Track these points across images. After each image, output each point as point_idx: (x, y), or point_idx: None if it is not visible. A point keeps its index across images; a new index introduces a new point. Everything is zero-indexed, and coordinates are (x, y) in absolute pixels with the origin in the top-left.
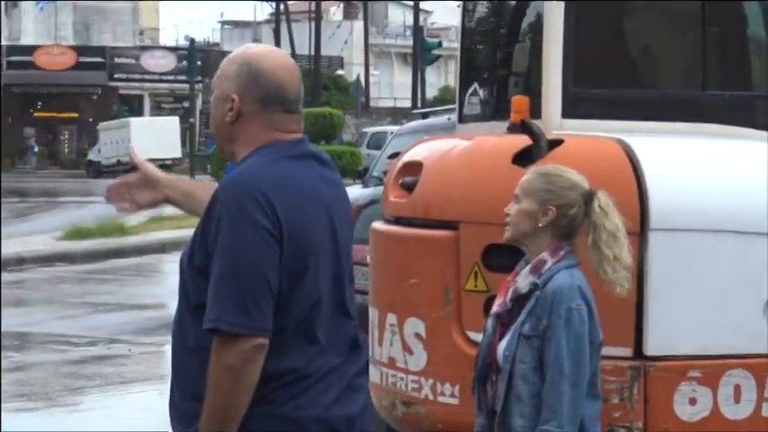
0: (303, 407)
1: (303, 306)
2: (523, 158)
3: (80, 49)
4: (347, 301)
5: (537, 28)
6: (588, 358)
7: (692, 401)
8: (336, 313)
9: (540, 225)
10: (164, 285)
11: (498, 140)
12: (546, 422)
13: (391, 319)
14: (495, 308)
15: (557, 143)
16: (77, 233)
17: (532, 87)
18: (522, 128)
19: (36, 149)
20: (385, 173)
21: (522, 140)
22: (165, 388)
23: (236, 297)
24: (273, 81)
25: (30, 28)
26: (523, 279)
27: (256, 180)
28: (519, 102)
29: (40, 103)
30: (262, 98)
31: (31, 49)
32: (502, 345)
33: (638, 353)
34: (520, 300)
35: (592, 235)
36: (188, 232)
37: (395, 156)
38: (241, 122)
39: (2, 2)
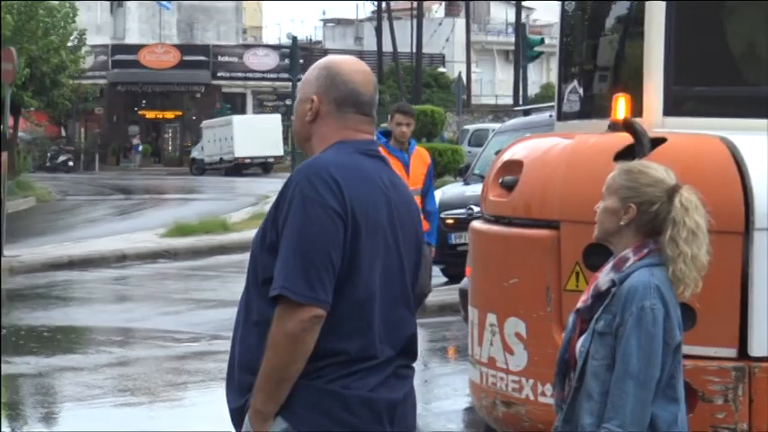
0: (349, 386)
1: (359, 292)
2: (625, 157)
3: (184, 48)
4: (408, 296)
5: (638, 25)
6: (660, 359)
7: None
8: (395, 306)
9: (621, 223)
10: None
11: (599, 138)
12: (609, 420)
13: (491, 318)
14: (578, 304)
15: (659, 141)
16: (180, 230)
17: (633, 85)
18: (624, 126)
19: (140, 148)
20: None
21: (624, 139)
22: None
23: (302, 269)
24: (349, 84)
25: (135, 27)
26: (604, 276)
27: (328, 165)
28: (620, 99)
29: (144, 102)
30: (337, 99)
31: (135, 48)
32: (581, 341)
33: (743, 353)
34: (599, 296)
35: (670, 231)
36: None
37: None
38: (319, 121)
39: (108, 2)
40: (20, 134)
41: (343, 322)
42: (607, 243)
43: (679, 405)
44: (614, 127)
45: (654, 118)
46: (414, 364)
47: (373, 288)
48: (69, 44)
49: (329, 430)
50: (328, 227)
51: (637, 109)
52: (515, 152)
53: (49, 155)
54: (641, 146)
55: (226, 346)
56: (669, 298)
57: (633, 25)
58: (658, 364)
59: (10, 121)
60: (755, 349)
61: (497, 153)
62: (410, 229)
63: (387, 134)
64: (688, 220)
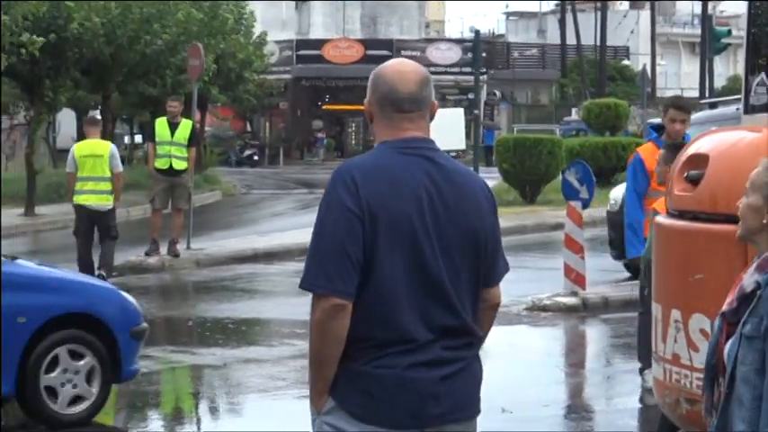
0: (381, 366)
1: (381, 282)
2: None
3: (367, 43)
4: (441, 289)
5: None
6: None
7: None
8: (423, 297)
9: (765, 221)
10: None
11: None
12: (765, 428)
13: (675, 315)
14: (724, 306)
15: None
16: None
17: None
18: None
19: (324, 142)
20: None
21: None
22: None
23: (319, 264)
24: (387, 84)
25: (319, 22)
26: (749, 277)
27: (351, 167)
28: None
29: (327, 96)
30: (379, 100)
31: (319, 43)
32: (727, 346)
33: None
34: (745, 298)
35: None
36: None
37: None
38: (374, 123)
39: None
40: (206, 129)
41: (370, 310)
42: (749, 242)
43: None
44: None
45: None
46: (469, 342)
47: (395, 278)
48: (253, 40)
49: (367, 404)
50: (342, 224)
51: None
52: (701, 146)
53: (236, 149)
54: None
55: None
56: None
57: None
58: None
59: (197, 116)
60: None
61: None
62: (461, 227)
63: (659, 128)
64: None
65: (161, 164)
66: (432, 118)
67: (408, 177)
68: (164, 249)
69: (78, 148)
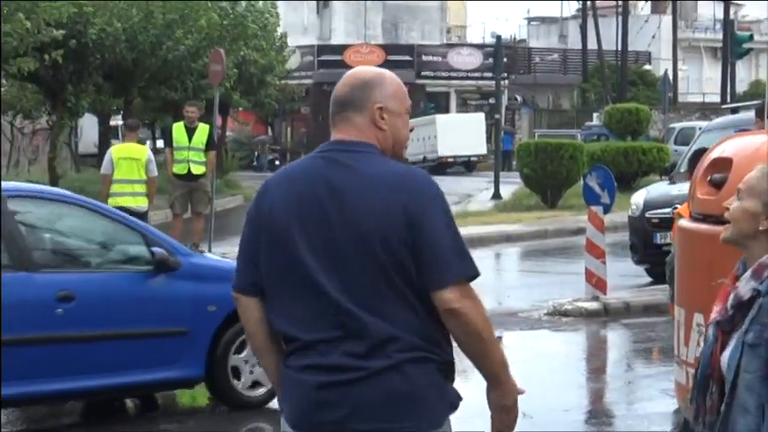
0: (287, 364)
1: (265, 282)
2: None
3: (388, 48)
4: (322, 289)
5: None
6: None
7: None
8: (303, 297)
9: (760, 228)
10: None
11: None
12: None
13: (698, 318)
14: (713, 315)
15: None
16: None
17: None
18: None
19: None
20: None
21: None
22: (470, 383)
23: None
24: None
25: (340, 27)
26: (744, 285)
27: (276, 173)
28: None
29: None
30: None
31: (341, 48)
32: (725, 354)
33: None
34: (741, 306)
35: None
36: (495, 228)
37: (701, 152)
38: None
39: (315, 2)
40: (228, 134)
41: (269, 305)
42: (737, 245)
43: None
44: None
45: None
46: (380, 349)
47: (272, 278)
48: (274, 45)
49: (281, 401)
50: (244, 227)
51: None
52: (725, 150)
53: (256, 154)
54: None
55: None
56: None
57: None
58: None
59: (218, 121)
60: None
61: (696, 153)
62: (356, 229)
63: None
64: None
65: (179, 169)
66: (376, 122)
67: (303, 181)
68: None
69: (116, 151)
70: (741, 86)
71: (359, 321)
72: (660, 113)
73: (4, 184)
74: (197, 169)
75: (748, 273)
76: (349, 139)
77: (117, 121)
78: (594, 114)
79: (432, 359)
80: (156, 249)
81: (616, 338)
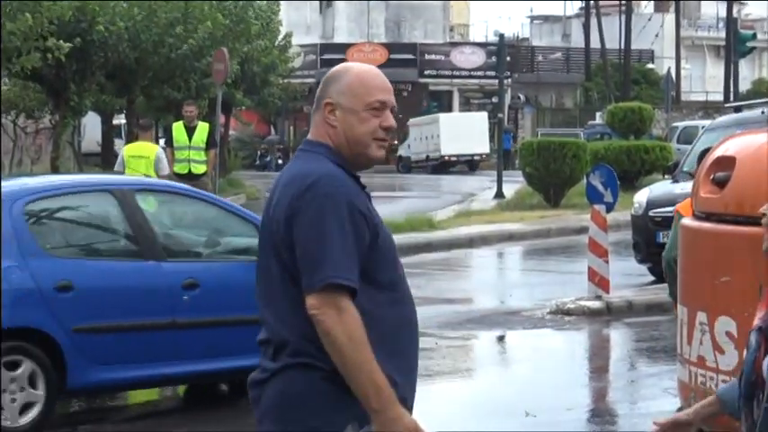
0: None
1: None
2: None
3: (391, 47)
4: (264, 296)
5: None
6: None
7: None
8: (260, 301)
9: None
10: (470, 280)
11: None
12: None
13: (701, 317)
14: (757, 321)
15: None
16: (388, 227)
17: None
18: None
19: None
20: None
21: None
22: (472, 382)
23: None
24: None
25: (343, 26)
26: None
27: None
28: None
29: None
30: None
31: (344, 47)
32: (767, 360)
33: None
34: None
35: None
36: (497, 227)
37: (706, 152)
38: None
39: (318, 1)
40: (231, 133)
41: None
42: None
43: None
44: None
45: None
46: (275, 349)
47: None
48: (277, 44)
49: None
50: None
51: None
52: (728, 148)
53: (258, 153)
54: None
55: (430, 343)
56: None
57: None
58: None
59: (221, 119)
60: None
61: (702, 153)
62: (268, 228)
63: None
64: None
65: (180, 168)
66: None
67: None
68: None
69: (127, 149)
70: (744, 85)
71: (268, 324)
72: (663, 112)
73: (133, 178)
74: (198, 168)
75: None
76: (308, 138)
77: (120, 119)
78: (597, 113)
79: (317, 367)
80: None
81: (619, 337)
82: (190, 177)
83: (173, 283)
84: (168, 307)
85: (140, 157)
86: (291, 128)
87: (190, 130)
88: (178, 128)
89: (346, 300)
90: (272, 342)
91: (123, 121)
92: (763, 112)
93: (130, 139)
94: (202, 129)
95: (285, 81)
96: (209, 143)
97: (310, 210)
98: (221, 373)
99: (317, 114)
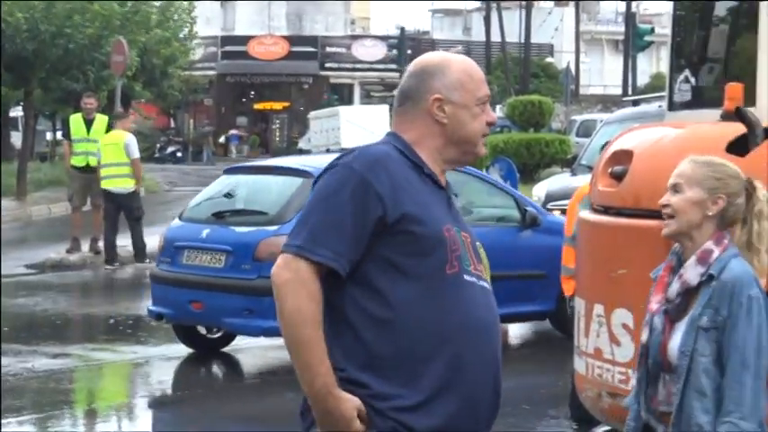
0: None
1: None
2: (738, 147)
3: (292, 39)
4: None
5: (752, 12)
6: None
7: None
8: None
9: (709, 214)
10: None
11: (712, 128)
12: (728, 413)
13: (598, 309)
14: (655, 305)
15: None
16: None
17: (746, 75)
18: (737, 115)
19: (238, 139)
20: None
21: (737, 128)
22: None
23: None
24: None
25: (244, 18)
26: (691, 271)
27: None
28: (733, 89)
29: (252, 93)
30: None
31: (245, 40)
32: (674, 342)
33: None
34: (688, 293)
35: (756, 226)
36: None
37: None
38: None
39: None
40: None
41: None
42: (682, 237)
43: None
44: (727, 116)
45: (767, 107)
46: None
47: None
48: (180, 36)
49: None
50: None
51: (750, 98)
52: (625, 142)
53: (158, 146)
54: (754, 135)
55: None
56: (762, 287)
57: (747, 14)
58: (766, 354)
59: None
60: None
61: (604, 146)
62: None
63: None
64: None
65: (78, 161)
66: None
67: None
68: (85, 246)
69: (103, 140)
70: (642, 79)
71: None
72: (562, 105)
73: None
74: (95, 161)
75: (692, 260)
76: (392, 132)
77: (17, 112)
78: (497, 106)
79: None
80: (529, 209)
81: None
82: (87, 170)
83: None
84: None
85: (112, 144)
86: (191, 120)
87: (88, 123)
88: (76, 120)
89: (309, 272)
90: None
91: (21, 113)
92: (660, 106)
93: (25, 132)
94: (101, 121)
95: (185, 73)
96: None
97: (326, 176)
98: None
99: (414, 110)
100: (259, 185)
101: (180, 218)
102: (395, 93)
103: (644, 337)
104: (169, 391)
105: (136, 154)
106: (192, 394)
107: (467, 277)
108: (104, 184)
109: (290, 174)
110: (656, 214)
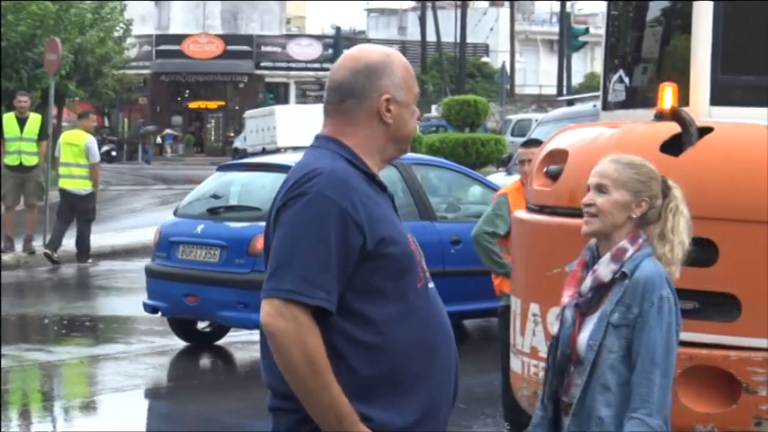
0: None
1: None
2: (672, 146)
3: (227, 38)
4: None
5: (685, 13)
6: (676, 347)
7: None
8: None
9: (633, 216)
10: None
11: (646, 128)
12: (635, 410)
13: (534, 308)
14: (567, 299)
15: (706, 131)
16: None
17: (680, 74)
18: (671, 115)
19: (172, 139)
20: (520, 161)
21: (671, 128)
22: None
23: None
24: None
25: (178, 17)
26: (604, 268)
27: None
28: (667, 89)
29: (187, 92)
30: None
31: (179, 39)
32: (583, 335)
33: None
34: (600, 289)
35: (671, 220)
36: None
37: (529, 143)
38: None
39: None
40: (64, 124)
41: None
42: (602, 236)
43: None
44: (661, 116)
45: (700, 107)
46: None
47: None
48: (115, 35)
49: None
50: None
51: (683, 98)
52: (560, 141)
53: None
54: (688, 135)
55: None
56: (673, 287)
57: (680, 14)
58: (675, 353)
59: (54, 111)
60: None
61: (524, 144)
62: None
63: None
64: (685, 209)
65: (10, 160)
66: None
67: None
68: (19, 246)
69: (63, 136)
70: (576, 79)
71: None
72: (498, 105)
73: (411, 155)
74: (29, 160)
75: (607, 257)
76: (323, 134)
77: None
78: (433, 106)
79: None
80: None
81: None
82: (21, 169)
83: (443, 239)
84: (440, 258)
85: (71, 145)
86: (126, 119)
87: (21, 122)
88: (9, 119)
89: (306, 317)
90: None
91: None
92: (594, 106)
93: None
94: (34, 120)
95: (120, 72)
96: (41, 135)
97: (297, 206)
98: (478, 312)
99: (358, 109)
100: (252, 182)
101: (175, 214)
102: (329, 87)
103: (555, 329)
104: (103, 391)
105: (97, 158)
106: (128, 393)
107: (430, 285)
108: (62, 183)
109: (284, 171)
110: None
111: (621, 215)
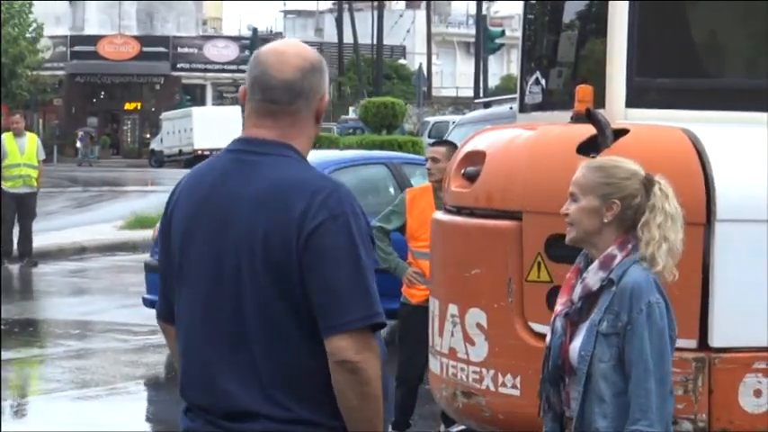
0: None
1: (180, 301)
2: (588, 148)
3: (143, 39)
4: (237, 332)
5: (601, 16)
6: (671, 353)
7: (757, 393)
8: (210, 344)
9: (605, 221)
10: None
11: (562, 130)
12: (636, 422)
13: (452, 309)
14: (559, 307)
15: (621, 132)
16: (139, 222)
17: (596, 76)
18: (587, 117)
19: (86, 140)
20: (427, 159)
21: (587, 130)
22: None
23: None
24: (260, 66)
25: (93, 18)
26: (593, 276)
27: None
28: (583, 91)
29: (103, 93)
30: (249, 85)
31: (95, 39)
32: (575, 345)
33: (703, 344)
34: (590, 297)
35: (646, 215)
36: None
37: (437, 143)
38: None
39: None
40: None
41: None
42: (585, 244)
43: (674, 399)
44: (577, 118)
45: (616, 109)
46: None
47: (182, 317)
48: (27, 35)
49: None
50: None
51: (599, 100)
52: (478, 143)
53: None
54: (604, 137)
55: None
56: (664, 292)
57: (596, 17)
58: (670, 359)
59: None
60: (715, 340)
61: (433, 144)
62: (240, 233)
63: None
64: (668, 206)
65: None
66: (318, 118)
67: (195, 186)
68: None
69: (7, 138)
70: (493, 81)
71: (231, 392)
72: (415, 107)
73: (399, 154)
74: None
75: (595, 264)
76: (274, 140)
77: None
78: (350, 108)
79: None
80: None
81: None
82: None
83: None
84: None
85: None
86: (41, 120)
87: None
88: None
89: (374, 338)
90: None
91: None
92: (511, 108)
93: None
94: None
95: (34, 73)
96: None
97: (342, 231)
98: None
99: (306, 110)
100: None
101: None
102: (274, 87)
103: (547, 339)
104: (20, 395)
105: (43, 155)
106: (44, 397)
107: None
108: (17, 184)
109: None
110: (508, 214)
111: (593, 221)
